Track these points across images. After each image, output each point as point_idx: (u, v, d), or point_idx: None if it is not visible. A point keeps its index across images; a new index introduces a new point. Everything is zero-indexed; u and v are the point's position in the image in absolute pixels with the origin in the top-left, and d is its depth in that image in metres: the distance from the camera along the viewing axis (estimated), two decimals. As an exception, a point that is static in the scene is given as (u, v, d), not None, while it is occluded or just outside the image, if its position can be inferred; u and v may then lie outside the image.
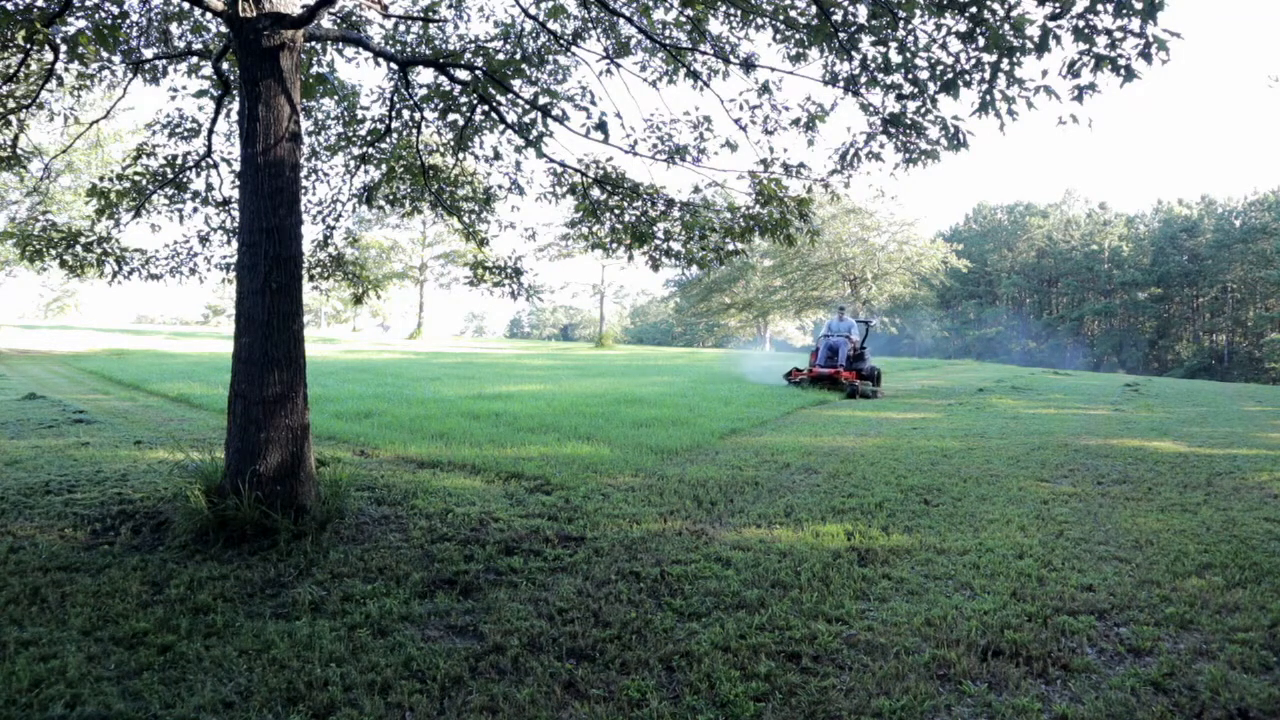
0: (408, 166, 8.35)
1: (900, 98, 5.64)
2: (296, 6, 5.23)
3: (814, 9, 5.72)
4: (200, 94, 7.55)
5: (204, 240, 8.39)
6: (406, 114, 7.90)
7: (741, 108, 6.73)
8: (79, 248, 7.82)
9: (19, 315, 54.48)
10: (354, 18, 7.57)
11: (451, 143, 8.01)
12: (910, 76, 5.44)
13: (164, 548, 4.62)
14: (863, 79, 5.78)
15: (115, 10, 6.67)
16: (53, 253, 7.82)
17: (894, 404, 14.56)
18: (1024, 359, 57.14)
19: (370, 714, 2.81)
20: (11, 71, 6.73)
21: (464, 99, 7.28)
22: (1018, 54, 4.77)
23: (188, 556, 4.45)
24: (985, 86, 4.98)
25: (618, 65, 7.00)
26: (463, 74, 6.81)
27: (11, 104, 7.09)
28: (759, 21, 6.43)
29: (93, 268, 7.91)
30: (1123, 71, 4.39)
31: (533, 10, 7.00)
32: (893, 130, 5.84)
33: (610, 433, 9.36)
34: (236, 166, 7.52)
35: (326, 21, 7.27)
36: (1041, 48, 4.57)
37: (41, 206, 28.84)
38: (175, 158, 7.75)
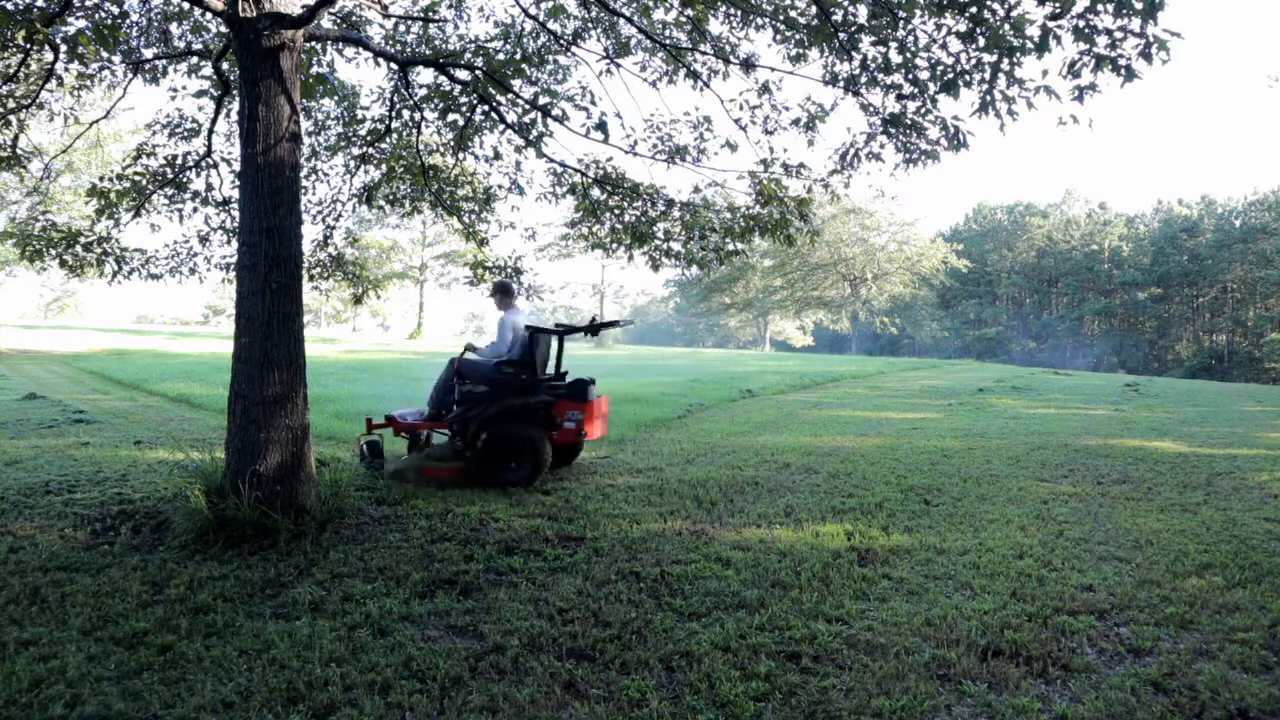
0: (408, 166, 8.35)
1: (900, 98, 5.64)
2: (296, 6, 5.23)
3: (814, 9, 5.73)
4: (200, 94, 7.55)
5: (204, 240, 8.40)
6: (406, 114, 7.90)
7: (741, 108, 6.74)
8: (79, 248, 7.83)
9: (19, 315, 54.45)
10: (354, 18, 7.57)
11: (451, 143, 8.01)
12: (910, 76, 5.44)
13: (164, 548, 4.62)
14: (863, 79, 5.78)
15: (115, 10, 6.68)
16: (53, 253, 7.83)
17: (894, 403, 14.54)
18: (1024, 359, 57.11)
19: (370, 714, 2.81)
20: (11, 71, 6.73)
21: (464, 99, 7.28)
22: (1018, 54, 4.78)
23: (188, 556, 4.45)
24: (985, 86, 4.98)
25: (618, 65, 7.00)
26: (463, 74, 6.81)
27: (11, 104, 7.09)
28: (759, 21, 6.44)
29: (93, 268, 7.91)
30: (1123, 71, 4.39)
31: (533, 10, 7.01)
32: (893, 130, 5.84)
33: (610, 433, 9.35)
34: (236, 166, 7.53)
35: (326, 21, 7.27)
36: (1041, 48, 4.57)
37: (41, 206, 28.82)
38: (175, 158, 7.75)
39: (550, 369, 7.24)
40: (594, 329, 7.06)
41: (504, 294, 7.27)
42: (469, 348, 7.26)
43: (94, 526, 5.01)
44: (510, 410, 6.68)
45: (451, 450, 6.95)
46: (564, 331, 7.09)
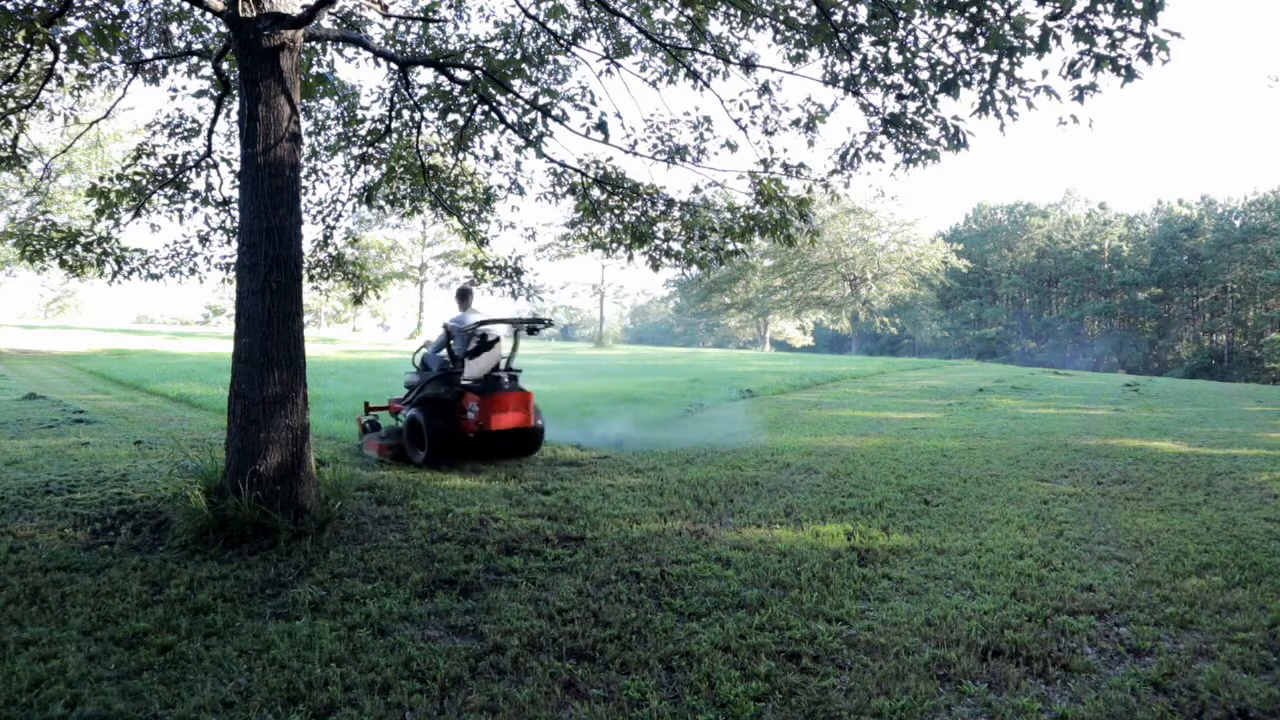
0: (408, 166, 8.35)
1: (900, 98, 5.63)
2: (296, 6, 5.23)
3: (814, 9, 5.73)
4: (200, 94, 7.55)
5: (204, 240, 8.40)
6: (406, 114, 7.90)
7: (741, 108, 6.73)
8: (79, 248, 7.83)
9: (19, 315, 54.44)
10: (354, 18, 7.57)
11: (451, 143, 8.01)
12: (910, 76, 5.44)
13: (164, 548, 4.62)
14: (863, 79, 5.78)
15: (115, 10, 6.68)
16: (53, 253, 7.82)
17: (894, 404, 14.56)
18: (1024, 359, 57.09)
19: (370, 714, 2.81)
20: (11, 71, 6.73)
21: (464, 99, 7.28)
22: (1018, 54, 4.77)
23: (188, 556, 4.45)
24: (985, 86, 4.98)
25: (618, 65, 7.00)
26: (463, 74, 6.81)
27: (11, 104, 7.09)
28: (759, 22, 6.43)
29: (93, 268, 7.92)
30: (1123, 71, 4.39)
31: (533, 10, 7.00)
32: (893, 130, 5.84)
33: (610, 433, 9.35)
34: (236, 166, 7.53)
35: (326, 21, 7.26)
36: (1041, 48, 4.56)
37: (41, 206, 28.81)
38: (175, 158, 7.75)
39: (503, 364, 7.87)
40: (512, 321, 7.79)
41: (459, 298, 8.17)
42: (423, 346, 8.41)
43: (94, 526, 5.01)
44: (424, 400, 7.49)
45: (395, 430, 7.95)
46: (466, 330, 7.57)
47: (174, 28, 7.27)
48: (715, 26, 6.92)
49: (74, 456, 7.36)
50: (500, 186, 8.46)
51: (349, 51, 7.55)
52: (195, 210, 8.13)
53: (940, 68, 5.19)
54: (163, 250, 8.40)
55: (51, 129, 21.50)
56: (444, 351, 7.82)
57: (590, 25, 7.16)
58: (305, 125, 8.16)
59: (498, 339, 7.73)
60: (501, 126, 7.45)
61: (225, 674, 3.09)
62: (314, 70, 7.42)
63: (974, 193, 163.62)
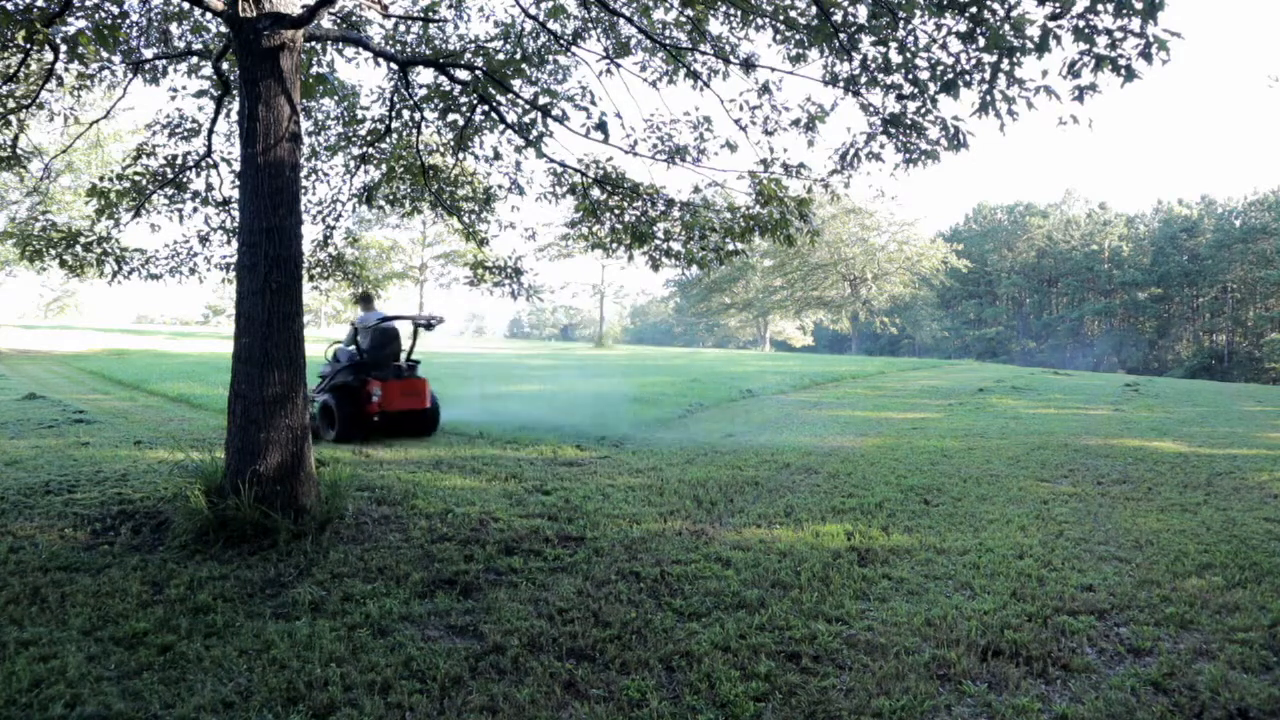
0: (408, 166, 8.35)
1: (900, 98, 5.63)
2: (296, 6, 5.23)
3: (814, 9, 5.72)
4: (200, 94, 7.55)
5: (204, 240, 8.40)
6: (406, 114, 7.90)
7: (741, 108, 6.73)
8: (79, 248, 7.83)
9: (19, 315, 54.42)
10: (354, 18, 7.57)
11: (451, 143, 8.01)
12: (910, 77, 5.44)
13: (164, 548, 4.62)
14: (863, 79, 5.78)
15: (115, 10, 6.68)
16: (53, 253, 7.83)
17: (894, 404, 14.57)
18: (1024, 359, 57.08)
19: (370, 714, 2.81)
20: (11, 71, 6.73)
21: (464, 99, 7.28)
22: (1018, 54, 4.77)
23: (188, 556, 4.45)
24: (985, 86, 4.98)
25: (618, 65, 7.00)
26: (463, 74, 6.81)
27: (11, 104, 7.09)
28: (759, 22, 6.43)
29: (93, 268, 7.92)
30: (1123, 71, 4.39)
31: (533, 10, 7.00)
32: (893, 130, 5.84)
33: (611, 432, 9.35)
34: (236, 166, 7.53)
35: (326, 21, 7.26)
36: (1041, 48, 4.56)
37: (41, 206, 28.78)
38: (175, 158, 7.75)
39: (403, 357, 9.16)
40: (410, 319, 9.09)
41: (362, 301, 9.38)
42: (334, 342, 9.55)
43: (94, 526, 5.01)
44: (334, 387, 8.67)
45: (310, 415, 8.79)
46: (370, 328, 8.88)
47: (174, 28, 7.28)
48: (715, 26, 6.92)
49: (74, 456, 7.36)
50: (500, 186, 8.46)
51: (349, 51, 7.55)
52: (195, 210, 8.14)
53: (940, 68, 5.19)
54: (163, 250, 8.41)
55: (51, 129, 21.50)
56: (352, 346, 9.01)
57: (590, 25, 7.16)
58: (305, 125, 8.16)
59: (398, 333, 9.07)
60: (501, 126, 7.44)
61: (225, 674, 3.09)
62: (314, 70, 7.42)
63: (974, 193, 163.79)
